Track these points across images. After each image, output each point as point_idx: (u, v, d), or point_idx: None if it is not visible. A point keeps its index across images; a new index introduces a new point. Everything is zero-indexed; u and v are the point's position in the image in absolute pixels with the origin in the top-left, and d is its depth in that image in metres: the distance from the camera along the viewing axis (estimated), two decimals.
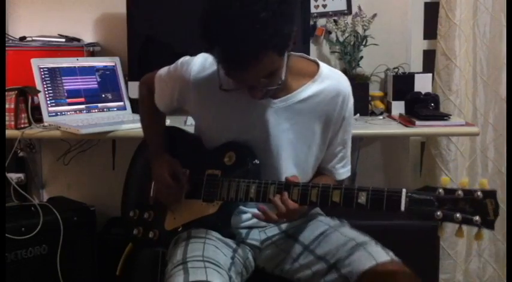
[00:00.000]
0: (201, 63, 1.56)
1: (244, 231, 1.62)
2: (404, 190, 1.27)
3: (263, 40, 1.28)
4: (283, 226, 1.64)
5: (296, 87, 1.53)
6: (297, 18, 1.37)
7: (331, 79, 1.55)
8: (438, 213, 1.21)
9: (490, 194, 1.20)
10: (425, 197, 1.24)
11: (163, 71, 1.68)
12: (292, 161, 1.58)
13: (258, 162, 1.54)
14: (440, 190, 1.23)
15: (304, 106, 1.53)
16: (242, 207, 1.61)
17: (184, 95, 1.60)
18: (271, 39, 1.29)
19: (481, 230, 1.20)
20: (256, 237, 1.63)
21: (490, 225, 1.19)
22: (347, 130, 1.62)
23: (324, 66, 1.57)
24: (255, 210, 1.50)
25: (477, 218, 1.19)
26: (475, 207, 1.19)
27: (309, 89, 1.53)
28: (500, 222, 2.55)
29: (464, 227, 1.21)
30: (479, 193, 1.19)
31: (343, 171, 1.68)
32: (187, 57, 1.60)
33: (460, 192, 1.21)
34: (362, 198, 1.32)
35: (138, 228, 1.70)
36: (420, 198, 1.25)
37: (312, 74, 1.54)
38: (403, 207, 1.26)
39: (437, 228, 1.25)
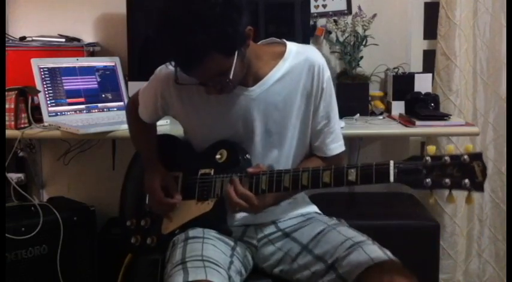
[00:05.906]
0: None
1: (240, 229, 1.63)
2: (392, 162, 1.28)
3: (206, 43, 1.32)
4: (281, 225, 1.64)
5: (268, 70, 1.55)
6: (245, 18, 1.38)
7: (301, 53, 1.57)
8: (427, 180, 1.22)
9: (477, 156, 1.19)
10: (413, 166, 1.24)
11: (144, 85, 1.71)
12: (286, 144, 1.59)
13: (249, 156, 1.57)
14: (427, 158, 1.23)
15: (281, 86, 1.55)
16: None
17: (167, 99, 1.62)
18: (215, 42, 1.32)
19: (471, 194, 1.20)
20: (252, 235, 1.63)
21: (479, 187, 1.19)
22: (329, 103, 1.61)
23: (292, 44, 1.59)
24: None
25: (466, 181, 1.19)
26: (463, 171, 1.19)
27: (281, 68, 1.55)
28: (500, 222, 2.55)
29: (455, 192, 1.22)
30: (465, 157, 1.20)
31: (333, 146, 1.65)
32: (163, 65, 1.63)
33: (446, 158, 1.21)
34: (352, 175, 1.33)
35: (136, 236, 1.71)
36: (408, 168, 1.25)
37: (281, 53, 1.57)
38: (392, 179, 1.26)
39: (428, 196, 1.26)
